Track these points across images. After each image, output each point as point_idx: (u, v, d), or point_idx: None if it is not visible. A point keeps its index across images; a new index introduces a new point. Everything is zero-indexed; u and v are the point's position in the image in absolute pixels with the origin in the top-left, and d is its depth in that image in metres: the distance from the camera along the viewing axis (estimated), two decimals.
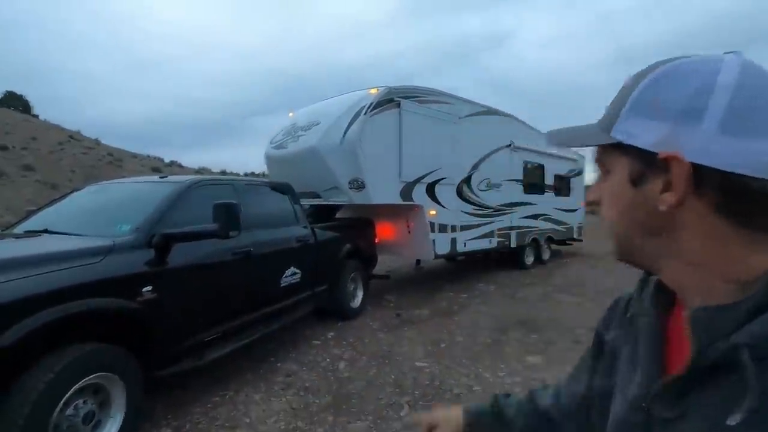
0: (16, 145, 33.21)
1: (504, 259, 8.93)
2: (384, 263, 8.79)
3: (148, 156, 43.24)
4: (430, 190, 6.29)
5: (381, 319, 5.43)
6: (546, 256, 9.70)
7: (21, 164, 24.94)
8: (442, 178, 6.46)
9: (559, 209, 9.97)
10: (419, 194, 6.08)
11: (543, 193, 9.34)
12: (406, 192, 5.88)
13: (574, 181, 10.73)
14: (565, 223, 10.30)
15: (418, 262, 7.26)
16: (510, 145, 8.10)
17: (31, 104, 52.21)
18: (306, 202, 6.27)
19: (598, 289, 7.06)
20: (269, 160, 6.31)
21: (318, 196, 5.98)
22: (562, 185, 10.26)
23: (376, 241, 6.36)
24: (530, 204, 8.79)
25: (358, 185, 5.37)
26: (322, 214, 6.35)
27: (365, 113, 5.28)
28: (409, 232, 6.50)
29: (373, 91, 5.48)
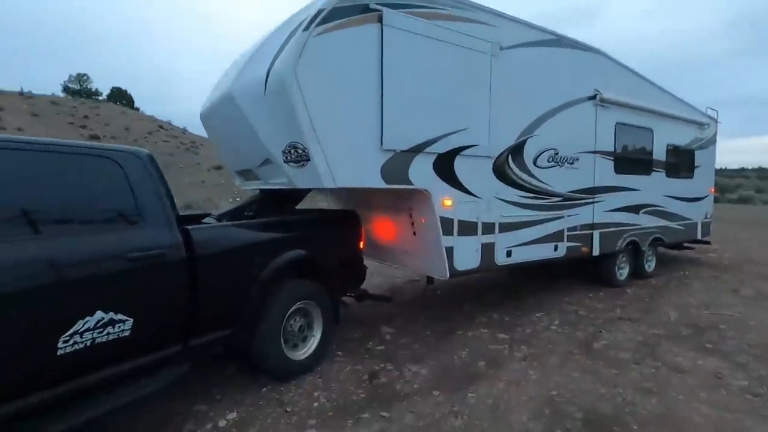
0: (112, 135, 36.23)
1: (581, 266, 6.05)
2: (394, 275, 6.44)
3: None
4: (445, 164, 3.81)
5: (339, 385, 3.19)
6: (650, 267, 6.56)
7: None
8: (468, 146, 3.93)
9: (674, 197, 6.69)
10: (422, 172, 3.65)
11: (649, 173, 6.20)
12: (396, 168, 3.49)
13: (700, 156, 7.27)
14: (683, 218, 6.96)
15: (429, 279, 4.84)
16: (595, 96, 5.19)
17: (133, 99, 57.50)
18: (248, 186, 4.17)
19: (753, 341, 4.03)
20: (201, 121, 4.29)
21: (255, 176, 3.86)
22: (681, 161, 6.91)
23: (360, 245, 4.08)
24: (627, 190, 5.77)
25: (298, 156, 3.12)
26: (284, 204, 4.22)
27: (306, 28, 2.98)
28: (414, 233, 4.11)
29: None
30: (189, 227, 2.65)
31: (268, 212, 3.82)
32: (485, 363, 3.55)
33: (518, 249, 4.45)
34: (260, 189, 4.14)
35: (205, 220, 3.81)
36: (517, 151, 4.39)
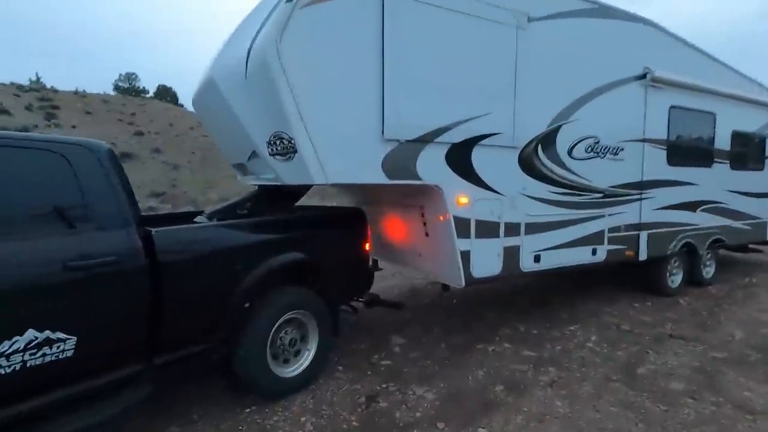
0: (153, 131, 37.74)
1: (626, 270, 5.34)
2: (413, 276, 5.95)
3: None
4: (460, 156, 3.30)
5: (331, 409, 2.79)
6: (709, 273, 5.72)
7: (152, 147, 27.95)
8: (488, 135, 3.39)
9: (739, 193, 5.78)
10: (432, 165, 3.16)
11: (709, 165, 5.35)
12: (400, 161, 3.02)
13: None
14: (750, 217, 6.01)
15: (445, 286, 4.32)
16: (644, 75, 4.46)
17: (177, 96, 59.75)
18: (246, 181, 3.84)
19: None
20: (194, 109, 3.97)
21: (248, 171, 3.50)
22: (750, 151, 5.96)
23: (366, 247, 3.65)
24: (682, 184, 4.99)
25: (284, 148, 2.72)
26: (284, 200, 3.86)
27: (289, 0, 2.56)
28: (426, 234, 3.64)
29: None
30: (153, 229, 2.32)
31: (264, 210, 3.48)
32: (504, 388, 3.04)
33: (548, 253, 3.86)
34: (258, 184, 3.80)
35: (197, 219, 3.51)
36: (548, 140, 3.79)
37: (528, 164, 3.68)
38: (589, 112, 4.00)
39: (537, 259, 3.81)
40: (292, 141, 2.65)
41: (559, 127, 3.84)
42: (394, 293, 5.38)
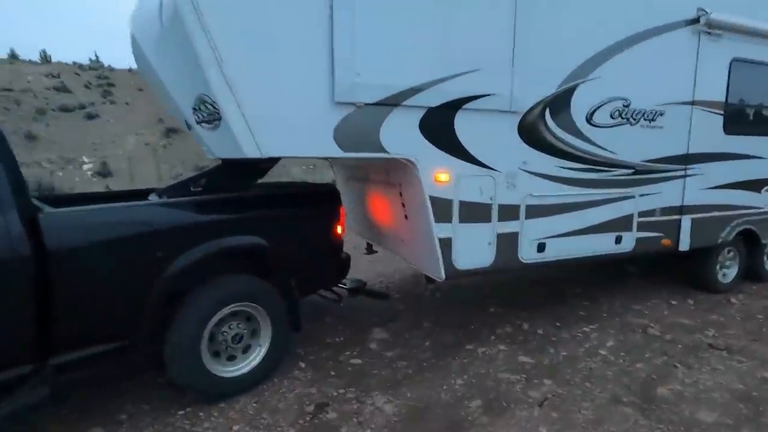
0: None
1: (662, 260, 4.52)
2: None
3: None
4: (439, 123, 2.70)
5: (271, 418, 2.42)
6: None
7: None
8: (477, 96, 2.75)
9: None
10: (401, 134, 2.60)
11: None
12: (358, 129, 2.49)
13: None
14: None
15: (429, 278, 3.72)
16: (698, 20, 3.54)
17: None
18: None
19: None
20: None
21: None
22: None
23: (338, 230, 3.19)
24: (742, 157, 4.04)
25: (209, 114, 2.27)
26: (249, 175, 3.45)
27: None
28: (405, 217, 3.11)
29: None
30: (42, 212, 1.99)
31: (222, 186, 3.09)
32: (482, 404, 2.53)
33: (556, 241, 3.21)
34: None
35: (150, 197, 3.19)
36: (559, 103, 3.07)
37: (531, 133, 3.00)
38: (617, 68, 3.21)
39: (541, 248, 3.17)
40: (215, 105, 2.20)
41: (575, 86, 3.10)
42: (395, 279, 4.92)
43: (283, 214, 2.95)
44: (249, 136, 2.23)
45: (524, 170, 3.02)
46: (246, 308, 2.67)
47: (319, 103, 2.36)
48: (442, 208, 2.78)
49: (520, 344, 3.26)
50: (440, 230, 2.79)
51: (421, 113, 2.63)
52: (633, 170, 3.46)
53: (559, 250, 3.24)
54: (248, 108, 2.20)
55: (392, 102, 2.53)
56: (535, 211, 3.10)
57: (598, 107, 3.20)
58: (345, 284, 3.80)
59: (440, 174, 2.75)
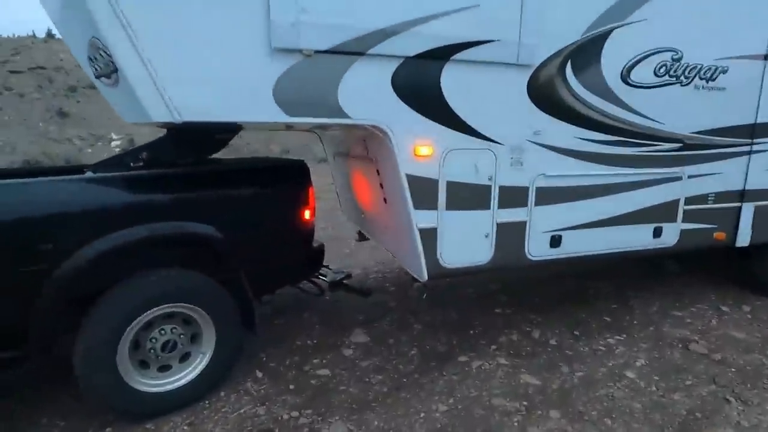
0: None
1: (712, 254, 3.73)
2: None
3: None
4: (419, 79, 2.07)
5: None
6: None
7: None
8: (473, 43, 2.09)
9: None
10: (367, 92, 1.99)
11: None
12: (307, 85, 1.89)
13: None
14: None
15: (416, 281, 3.07)
16: None
17: None
18: None
19: None
20: None
21: None
22: None
23: (306, 214, 2.64)
24: None
25: (106, 65, 1.74)
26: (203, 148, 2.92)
27: None
28: (384, 200, 2.52)
29: None
30: None
31: (168, 160, 2.58)
32: None
33: (575, 234, 2.54)
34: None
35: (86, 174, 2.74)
36: (586, 53, 2.36)
37: (546, 94, 2.32)
38: (665, 9, 2.44)
39: (556, 242, 2.52)
40: (109, 52, 1.66)
41: (609, 32, 2.36)
42: (395, 267, 4.36)
43: (234, 195, 2.43)
44: (156, 95, 1.69)
45: (535, 143, 2.35)
46: (183, 309, 2.20)
47: (250, 49, 1.78)
48: (423, 191, 2.17)
49: (525, 358, 2.66)
50: (422, 219, 2.19)
51: (394, 65, 2.00)
52: (681, 144, 2.71)
53: (579, 245, 2.57)
54: (152, 55, 1.65)
55: (353, 49, 1.91)
56: (549, 196, 2.44)
57: (639, 60, 2.46)
58: (325, 276, 3.31)
59: (421, 146, 2.13)
